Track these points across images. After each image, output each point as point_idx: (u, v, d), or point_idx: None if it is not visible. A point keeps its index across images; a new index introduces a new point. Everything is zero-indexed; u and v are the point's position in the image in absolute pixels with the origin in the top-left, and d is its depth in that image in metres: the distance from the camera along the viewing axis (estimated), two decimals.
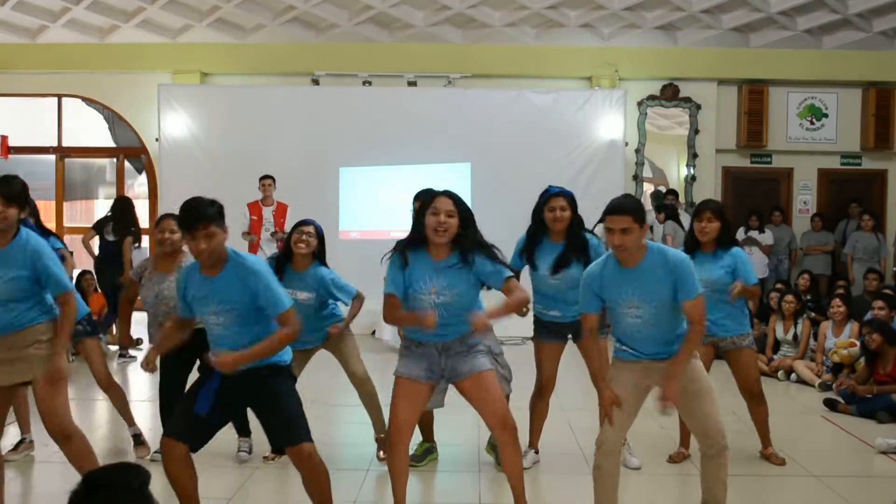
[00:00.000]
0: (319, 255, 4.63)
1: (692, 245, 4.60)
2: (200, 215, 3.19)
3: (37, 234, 3.64)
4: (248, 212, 8.89)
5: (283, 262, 4.58)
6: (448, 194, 3.47)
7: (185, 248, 4.53)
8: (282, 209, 9.01)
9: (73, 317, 3.62)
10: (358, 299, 4.67)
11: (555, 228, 4.37)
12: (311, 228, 4.59)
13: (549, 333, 4.50)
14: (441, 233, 3.40)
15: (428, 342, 3.48)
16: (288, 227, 8.96)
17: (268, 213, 8.96)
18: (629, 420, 3.49)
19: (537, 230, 4.43)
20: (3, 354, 3.53)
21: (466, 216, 3.46)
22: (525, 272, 4.52)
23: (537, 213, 4.42)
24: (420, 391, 3.53)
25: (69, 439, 3.48)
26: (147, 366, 3.56)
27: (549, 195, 4.40)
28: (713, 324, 4.48)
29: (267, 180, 8.98)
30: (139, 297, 4.64)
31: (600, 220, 3.55)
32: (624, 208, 3.27)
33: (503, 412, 3.48)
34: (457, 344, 3.47)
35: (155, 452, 4.69)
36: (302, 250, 4.53)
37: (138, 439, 4.75)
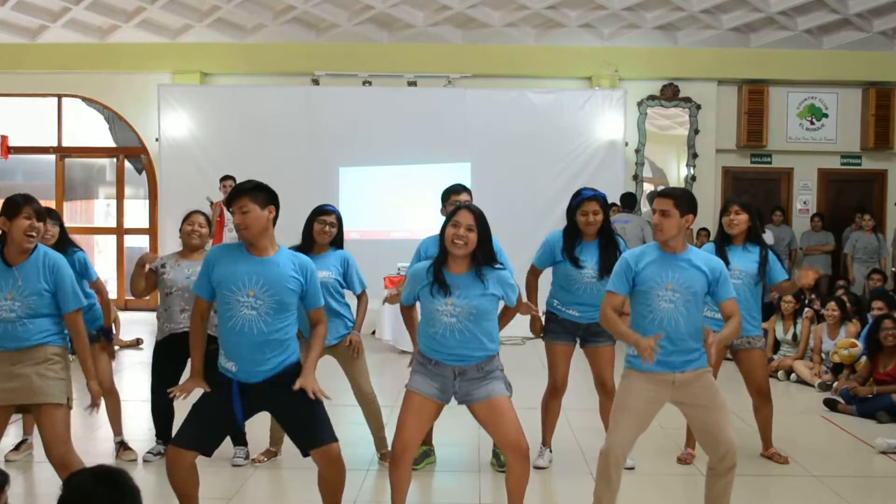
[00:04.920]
0: (337, 241, 4.68)
1: (722, 240, 4.75)
2: (237, 190, 3.36)
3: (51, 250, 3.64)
4: (212, 212, 8.91)
5: (305, 252, 4.55)
6: (470, 209, 3.49)
7: (208, 246, 4.75)
8: None
9: (85, 336, 3.60)
10: (364, 298, 4.69)
11: (587, 231, 4.43)
12: (332, 218, 4.64)
13: (562, 332, 4.51)
14: (460, 245, 3.41)
15: (445, 364, 3.47)
16: None
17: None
18: (639, 431, 3.49)
19: (573, 230, 4.47)
20: (5, 368, 3.43)
21: (485, 234, 3.47)
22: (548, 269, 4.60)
23: (571, 214, 4.48)
24: (430, 409, 3.52)
25: (69, 468, 3.47)
26: (184, 393, 3.47)
27: (582, 199, 4.44)
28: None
29: (228, 181, 9.02)
30: (158, 288, 4.66)
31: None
32: (667, 193, 3.52)
33: (517, 437, 3.47)
34: (473, 370, 3.47)
35: (147, 453, 4.70)
36: (324, 239, 4.60)
37: (124, 445, 4.76)
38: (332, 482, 3.40)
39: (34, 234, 3.44)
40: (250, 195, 3.33)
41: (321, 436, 3.34)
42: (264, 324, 3.29)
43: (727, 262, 4.59)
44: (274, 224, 3.41)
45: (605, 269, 4.36)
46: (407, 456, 3.48)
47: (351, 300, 4.73)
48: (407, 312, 3.79)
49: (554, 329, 4.53)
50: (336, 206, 4.88)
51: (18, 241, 3.44)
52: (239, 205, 3.32)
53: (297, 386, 3.30)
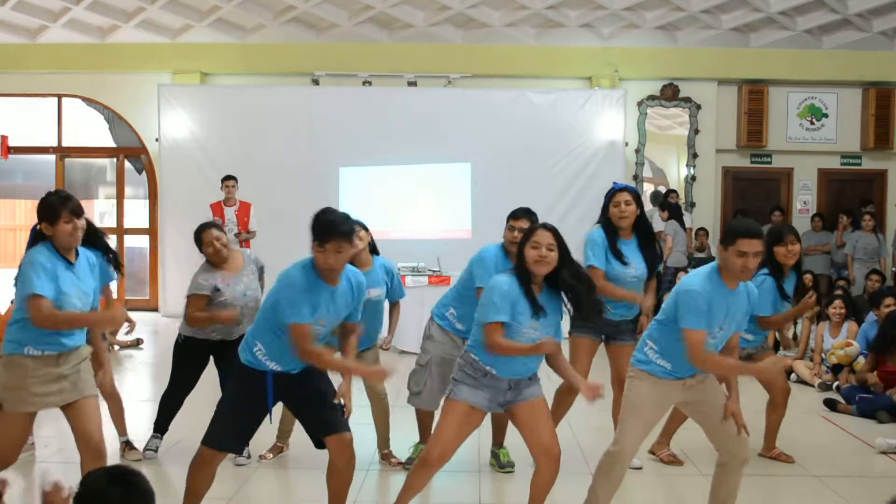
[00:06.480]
0: (374, 247, 4.60)
1: (777, 271, 4.55)
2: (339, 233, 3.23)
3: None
4: (212, 213, 8.94)
5: None
6: (547, 227, 3.39)
7: (232, 245, 4.65)
8: (245, 209, 9.08)
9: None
10: (398, 307, 4.66)
11: (621, 225, 4.38)
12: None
13: (591, 328, 4.45)
14: (543, 264, 3.30)
15: (501, 377, 3.40)
16: (254, 225, 9.04)
17: (230, 213, 9.01)
18: (648, 433, 3.50)
19: (612, 228, 4.41)
20: (48, 371, 3.38)
21: (565, 252, 3.36)
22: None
23: (605, 211, 4.43)
24: (476, 419, 3.48)
25: (102, 458, 3.47)
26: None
27: (613, 191, 4.43)
28: (744, 340, 4.57)
29: (230, 181, 9.04)
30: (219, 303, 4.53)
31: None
32: (760, 232, 3.28)
33: (550, 441, 3.45)
34: (527, 380, 3.45)
35: (147, 450, 4.71)
36: (359, 246, 4.41)
37: (129, 445, 4.75)
38: (342, 472, 3.42)
39: (78, 233, 3.40)
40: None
41: (338, 422, 3.38)
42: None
43: (786, 299, 4.53)
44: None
45: (650, 268, 4.38)
46: (441, 463, 3.46)
47: None
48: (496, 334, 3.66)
49: (581, 324, 4.45)
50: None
51: (65, 244, 3.38)
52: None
53: (338, 399, 3.39)
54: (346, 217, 3.30)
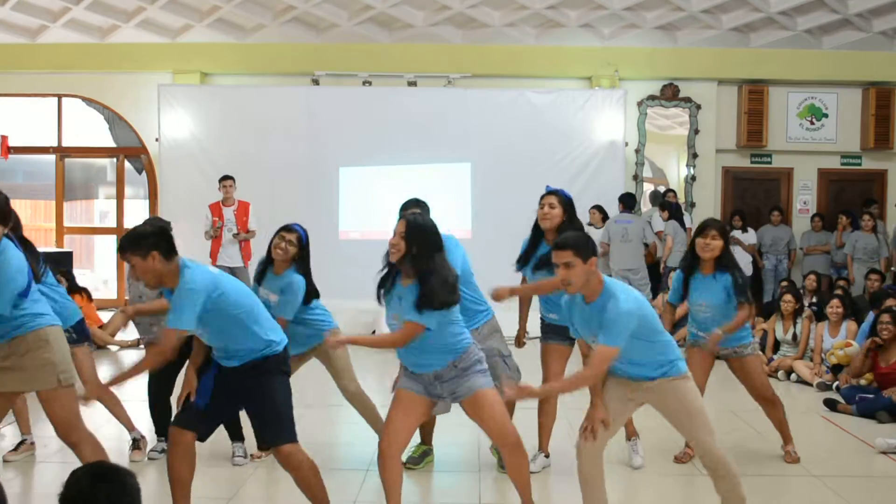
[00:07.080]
0: (299, 262, 4.49)
1: (691, 263, 4.63)
2: (119, 249, 3.43)
3: (13, 247, 3.41)
4: (210, 213, 8.94)
5: (265, 265, 4.57)
6: (405, 217, 3.41)
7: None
8: (244, 208, 9.08)
9: None
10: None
11: (543, 226, 4.36)
12: (293, 236, 4.47)
13: (554, 334, 4.48)
14: (392, 252, 3.40)
15: (418, 373, 3.45)
16: (253, 225, 9.02)
17: (229, 213, 9.00)
18: (613, 429, 3.49)
19: (536, 231, 4.43)
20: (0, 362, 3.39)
21: (415, 241, 3.33)
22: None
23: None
24: (417, 403, 3.48)
25: (78, 445, 3.48)
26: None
27: (543, 194, 4.44)
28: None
29: (227, 181, 9.04)
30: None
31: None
32: (565, 243, 3.28)
33: (501, 429, 3.45)
34: (447, 371, 3.41)
35: (151, 451, 4.72)
36: (279, 256, 4.44)
37: (136, 444, 4.74)
38: (297, 480, 3.48)
39: None
40: (130, 251, 3.25)
41: (272, 436, 3.44)
42: (214, 342, 3.44)
43: (685, 295, 4.61)
44: (168, 256, 3.26)
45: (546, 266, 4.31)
46: (392, 451, 3.45)
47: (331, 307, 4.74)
48: None
49: (545, 330, 4.54)
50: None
51: None
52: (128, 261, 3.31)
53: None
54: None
